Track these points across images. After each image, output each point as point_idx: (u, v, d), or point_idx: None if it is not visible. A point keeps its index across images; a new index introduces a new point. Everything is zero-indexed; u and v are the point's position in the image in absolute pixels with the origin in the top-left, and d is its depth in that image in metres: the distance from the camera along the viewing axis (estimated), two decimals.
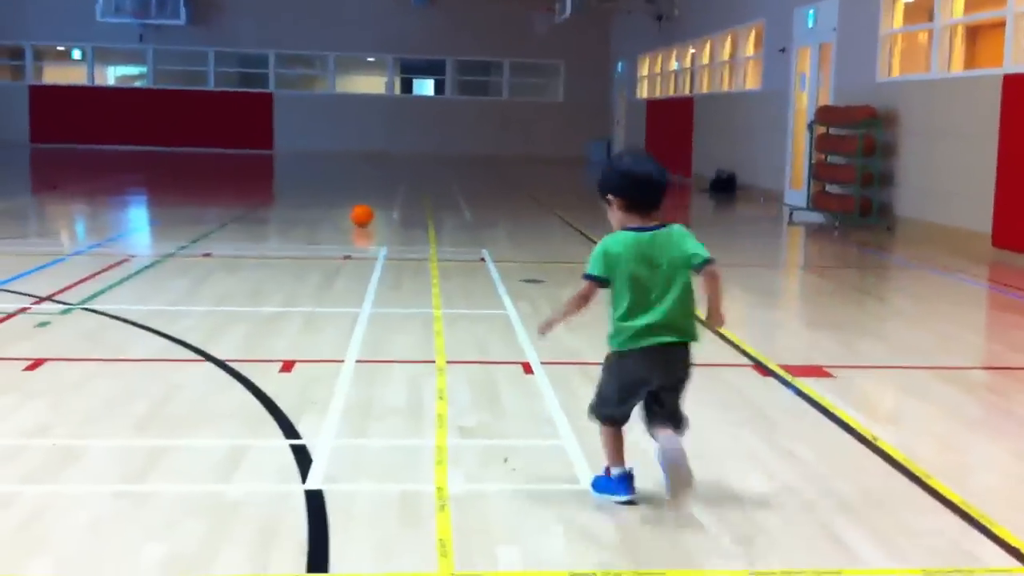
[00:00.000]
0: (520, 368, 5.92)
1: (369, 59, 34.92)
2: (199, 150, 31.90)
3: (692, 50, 24.74)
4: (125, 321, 6.90)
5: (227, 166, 26.67)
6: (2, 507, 3.71)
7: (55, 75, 34.55)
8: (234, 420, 4.82)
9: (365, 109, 33.91)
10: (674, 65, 26.56)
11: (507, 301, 7.98)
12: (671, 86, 26.86)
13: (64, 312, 7.16)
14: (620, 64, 32.39)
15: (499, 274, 9.31)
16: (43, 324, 6.77)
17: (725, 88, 22.39)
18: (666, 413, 3.89)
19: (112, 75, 35.34)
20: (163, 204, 16.64)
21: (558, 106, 34.40)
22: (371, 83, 35.39)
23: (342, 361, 5.95)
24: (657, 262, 3.90)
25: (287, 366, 5.83)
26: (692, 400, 5.33)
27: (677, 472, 3.69)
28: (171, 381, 5.48)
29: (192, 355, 6.04)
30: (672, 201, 20.16)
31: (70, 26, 32.44)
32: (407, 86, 36.19)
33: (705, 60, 23.70)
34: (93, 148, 31.76)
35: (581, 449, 4.45)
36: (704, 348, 6.58)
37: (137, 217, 14.88)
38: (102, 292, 7.93)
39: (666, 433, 3.80)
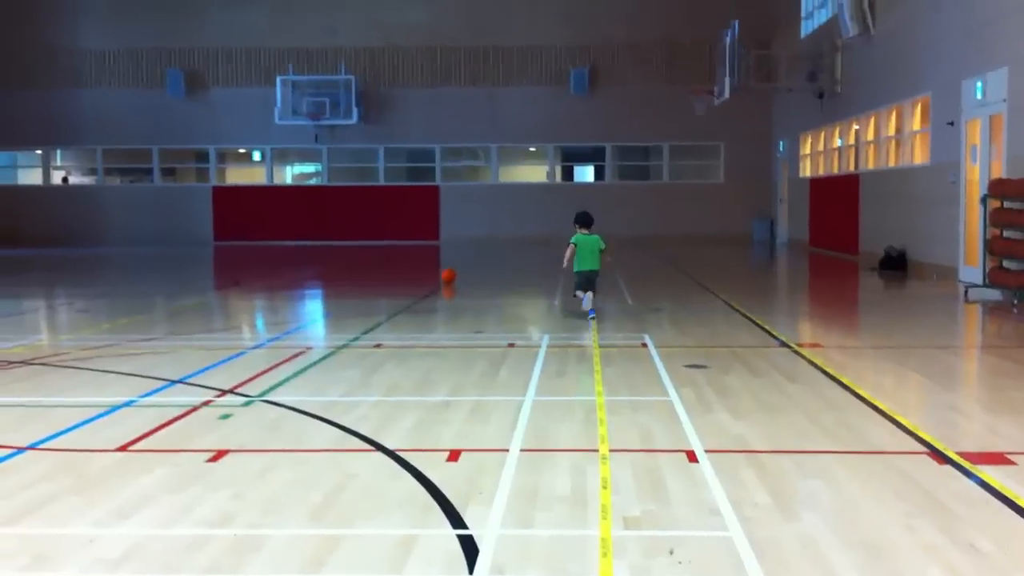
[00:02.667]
0: (684, 456, 5.88)
1: (530, 148, 35.67)
2: (370, 243, 33.07)
3: (856, 126, 24.34)
4: (302, 412, 7.20)
5: (396, 257, 27.53)
6: None
7: (236, 176, 36.57)
8: (404, 509, 4.96)
9: (527, 197, 34.55)
10: (837, 142, 26.15)
11: (670, 387, 7.96)
12: (835, 163, 26.42)
13: (245, 404, 7.52)
14: (782, 143, 32.10)
15: (662, 359, 9.29)
16: (225, 416, 7.13)
17: (892, 163, 21.89)
18: (588, 287, 12.59)
19: (289, 174, 37.19)
20: (337, 296, 17.29)
21: (719, 187, 34.25)
22: (533, 171, 36.08)
23: (507, 450, 6.04)
24: (587, 244, 12.79)
25: (454, 455, 5.96)
26: (863, 489, 5.20)
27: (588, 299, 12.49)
28: (345, 470, 5.68)
29: (365, 445, 6.25)
30: (839, 280, 19.70)
31: (251, 129, 34.38)
32: (568, 173, 36.73)
33: (870, 136, 23.26)
34: (271, 244, 33.33)
35: (749, 542, 4.39)
36: (875, 434, 6.42)
37: (312, 310, 15.51)
38: (280, 384, 8.29)
39: (587, 294, 12.56)
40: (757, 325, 11.92)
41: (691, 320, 12.70)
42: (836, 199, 25.59)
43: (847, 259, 23.83)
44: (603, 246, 12.87)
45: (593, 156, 35.53)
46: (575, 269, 12.78)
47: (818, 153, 28.17)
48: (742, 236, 32.87)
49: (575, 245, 12.82)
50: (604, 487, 5.25)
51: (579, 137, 34.49)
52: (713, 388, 7.95)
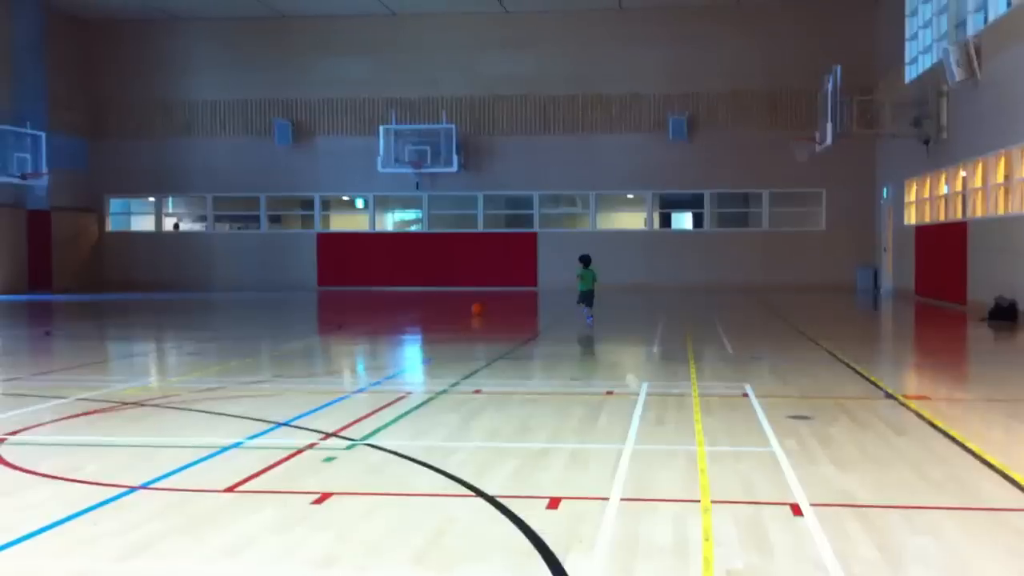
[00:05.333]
0: (788, 509, 5.79)
1: (628, 195, 35.69)
2: (469, 289, 33.36)
3: (963, 172, 23.82)
4: (403, 456, 7.29)
5: (495, 303, 27.71)
6: None
7: (340, 223, 37.34)
8: (505, 555, 4.98)
9: (625, 244, 34.51)
10: (944, 189, 25.60)
11: (772, 438, 7.84)
12: (941, 210, 25.85)
13: (348, 448, 7.64)
14: (885, 189, 31.54)
15: (763, 409, 9.17)
16: (329, 459, 7.25)
17: (1001, 211, 21.34)
18: (586, 302, 18.87)
19: (390, 221, 37.81)
20: (436, 342, 17.48)
21: (821, 234, 33.75)
22: (630, 218, 36.06)
23: (607, 498, 6.03)
24: (586, 275, 19.08)
25: (553, 503, 5.97)
26: (974, 546, 5.05)
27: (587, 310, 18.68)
28: (446, 515, 5.73)
29: (464, 490, 6.30)
30: (947, 330, 19.20)
31: (354, 177, 35.15)
32: (666, 220, 36.61)
33: (977, 183, 22.73)
34: (373, 289, 33.89)
35: None
36: (986, 489, 6.24)
37: (412, 355, 15.70)
38: (382, 428, 8.41)
39: (587, 309, 18.74)
40: (862, 376, 11.69)
41: (793, 370, 12.51)
42: (943, 247, 25.01)
43: (954, 309, 23.22)
44: (596, 276, 19.51)
45: (692, 203, 35.38)
46: (579, 289, 19.29)
47: (924, 200, 27.60)
48: (845, 284, 32.29)
49: (579, 276, 19.34)
50: (706, 539, 5.19)
51: (678, 184, 34.40)
52: (817, 439, 7.81)
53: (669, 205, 36.19)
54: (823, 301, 26.84)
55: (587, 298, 19.00)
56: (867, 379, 11.39)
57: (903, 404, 9.66)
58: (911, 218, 28.73)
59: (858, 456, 7.28)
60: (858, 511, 5.73)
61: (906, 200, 29.02)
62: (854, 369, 12.24)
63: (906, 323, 21.81)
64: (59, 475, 6.72)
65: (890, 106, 28.25)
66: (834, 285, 32.07)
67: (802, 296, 28.70)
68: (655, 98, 33.99)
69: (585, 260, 19.46)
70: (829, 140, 26.90)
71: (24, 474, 6.80)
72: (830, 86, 26.46)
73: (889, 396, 10.16)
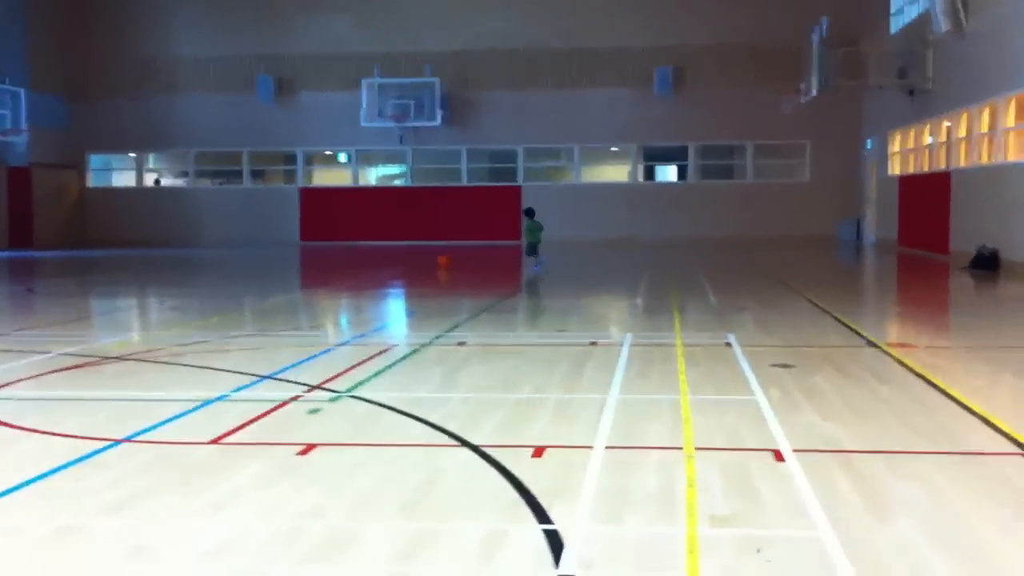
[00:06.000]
0: (771, 456, 5.82)
1: (612, 148, 35.57)
2: (453, 243, 33.30)
3: (947, 123, 23.81)
4: (389, 408, 7.29)
5: (479, 258, 27.69)
6: None
7: (323, 178, 37.13)
8: (492, 505, 4.99)
9: (609, 197, 34.46)
10: (928, 139, 25.61)
11: (756, 387, 7.88)
12: (925, 161, 25.88)
13: (333, 400, 7.64)
14: (870, 141, 31.52)
15: (747, 359, 9.20)
16: (314, 411, 7.25)
17: (985, 161, 21.37)
18: (533, 252, 20.18)
19: (373, 175, 37.62)
20: (420, 296, 17.46)
21: (804, 186, 33.77)
22: (615, 171, 35.98)
23: (592, 448, 6.05)
24: (531, 227, 20.53)
25: (539, 452, 5.99)
26: (959, 492, 5.10)
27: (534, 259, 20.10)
28: (433, 466, 5.74)
29: (451, 441, 6.31)
30: (929, 280, 19.29)
31: (337, 132, 34.90)
32: (650, 173, 36.54)
33: (962, 133, 22.74)
34: (356, 244, 33.78)
35: (840, 543, 4.33)
36: (970, 437, 6.29)
37: (396, 309, 15.68)
38: (367, 380, 8.41)
39: (532, 257, 20.14)
40: (845, 325, 11.74)
41: (777, 320, 12.55)
42: (926, 198, 25.07)
43: (937, 259, 23.33)
44: (542, 227, 20.76)
45: (676, 156, 35.31)
46: (526, 241, 20.91)
47: (908, 151, 27.62)
48: (828, 236, 32.37)
49: (527, 228, 20.84)
50: (691, 486, 5.22)
51: (662, 137, 34.31)
52: (800, 389, 7.85)
53: (653, 158, 36.11)
54: (806, 253, 26.91)
55: (533, 248, 20.54)
56: (850, 328, 11.44)
57: (886, 353, 9.71)
58: (895, 169, 28.76)
59: (842, 404, 7.32)
60: (842, 458, 5.77)
61: (890, 151, 29.04)
62: (837, 319, 12.29)
63: (889, 273, 21.90)
64: (42, 429, 6.70)
65: (875, 57, 28.16)
66: (817, 237, 32.14)
67: (785, 248, 28.76)
68: (641, 52, 33.77)
69: (530, 213, 21.07)
70: (814, 92, 26.82)
71: (7, 428, 6.77)
72: (816, 37, 26.32)
73: (872, 345, 10.21)
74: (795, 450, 5.90)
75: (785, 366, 8.86)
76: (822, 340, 10.65)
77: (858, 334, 11.03)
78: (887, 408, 7.23)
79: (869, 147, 31.60)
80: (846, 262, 25.30)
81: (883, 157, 29.72)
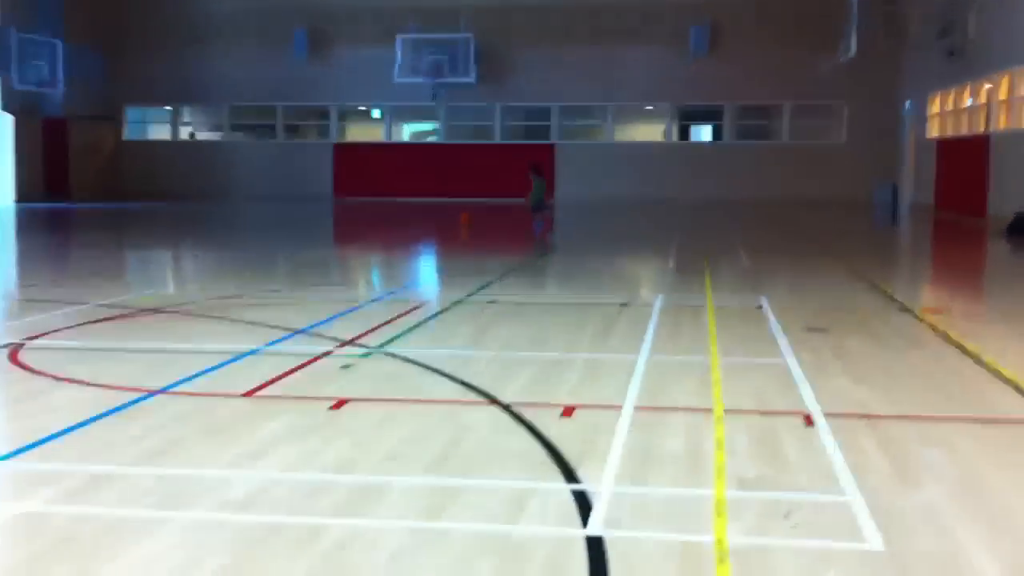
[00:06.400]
0: (801, 420, 5.81)
1: (647, 108, 35.29)
2: (486, 200, 33.26)
3: (988, 85, 23.42)
4: (419, 365, 7.33)
5: (512, 216, 27.64)
6: (312, 538, 4.05)
7: (356, 133, 37.12)
8: (519, 463, 5.03)
9: (643, 157, 34.25)
10: (968, 102, 25.21)
11: (787, 350, 7.85)
12: (964, 124, 25.50)
13: (364, 355, 7.69)
14: (908, 102, 31.08)
15: (779, 322, 9.16)
16: (346, 367, 7.31)
17: None
18: (540, 209, 19.59)
19: (406, 132, 37.56)
20: (452, 253, 17.48)
21: (841, 148, 33.41)
22: (649, 131, 35.73)
23: (621, 407, 6.06)
24: (540, 186, 19.62)
25: (568, 411, 6.01)
26: (988, 458, 5.08)
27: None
28: (462, 423, 5.78)
29: (480, 398, 6.34)
30: (965, 245, 19.08)
31: (370, 87, 34.83)
32: (684, 133, 36.26)
33: (1003, 95, 22.36)
34: (389, 200, 33.82)
35: (867, 507, 4.33)
36: (1000, 402, 6.25)
37: (427, 266, 15.72)
38: (398, 337, 8.45)
39: (541, 215, 19.67)
40: (879, 290, 11.66)
41: (810, 283, 12.48)
42: (964, 161, 24.73)
43: (974, 223, 23.06)
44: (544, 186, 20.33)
45: (711, 116, 34.99)
46: (533, 200, 19.79)
47: (947, 113, 27.22)
48: (864, 198, 32.04)
49: (536, 184, 19.76)
50: (719, 448, 5.23)
51: (697, 97, 34.00)
52: (832, 352, 7.82)
53: (688, 118, 35.80)
54: (841, 215, 26.67)
55: (540, 206, 19.94)
56: (884, 292, 11.36)
57: (919, 318, 9.64)
58: (933, 132, 28.37)
59: (873, 369, 7.29)
60: (871, 422, 5.75)
61: (928, 113, 28.63)
62: (871, 282, 12.20)
63: (924, 237, 21.68)
64: (79, 379, 6.80)
65: (916, 17, 27.70)
66: (853, 199, 31.83)
67: (821, 210, 28.51)
68: (676, 9, 33.39)
69: (538, 170, 20.09)
70: (852, 51, 26.45)
71: (45, 378, 6.88)
72: None
73: (905, 310, 10.14)
74: (825, 414, 5.88)
75: (817, 330, 8.82)
76: (855, 304, 10.58)
77: (891, 298, 10.95)
78: (918, 373, 7.19)
79: (907, 108, 31.17)
80: (881, 225, 25.07)
81: (922, 119, 29.32)
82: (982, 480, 4.81)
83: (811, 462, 5.03)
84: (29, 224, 24.84)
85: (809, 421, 5.78)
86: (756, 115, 34.67)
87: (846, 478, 4.74)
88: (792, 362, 7.39)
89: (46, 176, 33.40)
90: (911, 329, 9.09)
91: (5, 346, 7.99)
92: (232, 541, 4.02)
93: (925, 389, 6.71)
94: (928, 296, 12.14)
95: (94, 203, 32.24)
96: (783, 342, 8.21)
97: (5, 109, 31.41)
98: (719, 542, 3.96)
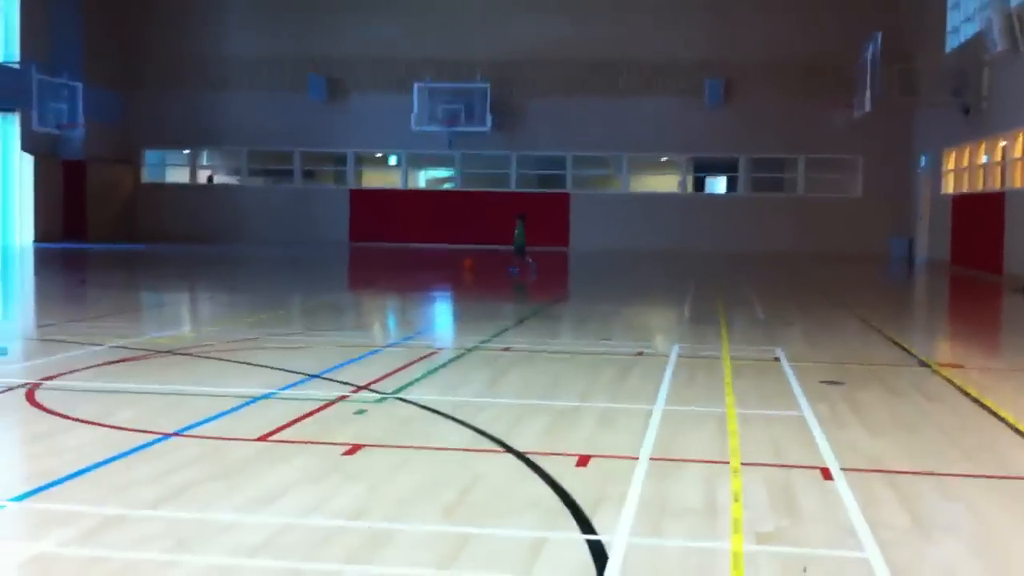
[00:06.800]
0: (819, 473, 5.77)
1: (662, 159, 35.45)
2: (500, 247, 33.32)
3: (1003, 142, 23.46)
4: (433, 411, 7.32)
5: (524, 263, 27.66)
6: None
7: (373, 179, 37.35)
8: (534, 512, 4.99)
9: (657, 207, 34.34)
10: (983, 159, 25.24)
11: (803, 402, 7.81)
12: (980, 180, 25.50)
13: (379, 401, 7.68)
14: (923, 158, 31.14)
15: (795, 374, 9.12)
16: (360, 412, 7.29)
17: None
18: (521, 254, 21.94)
19: (422, 178, 37.77)
20: (466, 299, 17.50)
21: (856, 202, 33.43)
22: (663, 182, 35.84)
23: (636, 458, 6.03)
24: (522, 230, 21.78)
25: (583, 460, 5.98)
26: (1007, 515, 5.02)
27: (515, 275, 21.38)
28: (476, 471, 5.75)
29: (494, 446, 6.32)
30: (982, 300, 19.01)
31: (388, 134, 35.08)
32: (699, 184, 36.36)
33: (1017, 153, 22.39)
34: (404, 246, 33.93)
35: (886, 564, 4.28)
36: (1019, 459, 6.19)
37: (442, 312, 15.73)
38: (412, 383, 8.44)
39: (523, 260, 21.88)
40: (895, 343, 11.61)
41: (825, 336, 12.44)
42: (980, 217, 24.71)
43: (990, 279, 22.98)
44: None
45: (726, 167, 35.11)
46: (516, 244, 22.13)
47: (962, 170, 27.24)
48: (879, 253, 32.00)
49: (520, 229, 22.00)
50: (736, 500, 5.19)
51: (712, 148, 34.14)
52: (848, 405, 7.77)
53: (703, 169, 35.92)
54: (857, 269, 26.63)
55: (521, 250, 22.13)
56: (900, 346, 11.31)
57: (936, 372, 9.59)
58: (948, 187, 28.38)
59: (890, 422, 7.24)
60: (889, 477, 5.70)
61: (944, 169, 28.66)
62: (887, 336, 12.15)
63: (940, 292, 21.62)
64: (94, 420, 6.80)
65: (930, 75, 27.83)
66: (868, 253, 31.79)
67: (835, 263, 28.47)
68: (691, 62, 33.64)
69: (522, 217, 22.53)
70: (867, 107, 26.56)
71: (60, 419, 6.88)
72: (869, 53, 26.07)
73: (922, 364, 10.09)
74: (842, 468, 5.84)
75: (834, 383, 8.77)
76: (871, 357, 10.53)
77: (908, 352, 10.90)
78: (935, 427, 7.13)
79: (923, 164, 31.22)
80: (897, 280, 25.01)
81: (937, 175, 29.34)
82: (1000, 536, 4.75)
83: (829, 516, 4.99)
84: (47, 264, 24.98)
85: (827, 475, 5.73)
86: (771, 167, 34.76)
87: (864, 533, 4.69)
88: (809, 414, 7.35)
89: (64, 217, 33.64)
90: (928, 383, 9.03)
91: (22, 386, 8.01)
92: None
93: (943, 443, 6.65)
94: (945, 350, 12.08)
95: (111, 244, 32.42)
96: (799, 394, 8.17)
97: (25, 149, 31.73)
98: None
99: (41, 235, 32.33)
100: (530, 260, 22.23)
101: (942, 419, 7.45)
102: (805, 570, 4.22)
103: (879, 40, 25.64)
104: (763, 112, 33.21)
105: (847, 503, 5.17)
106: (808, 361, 10.02)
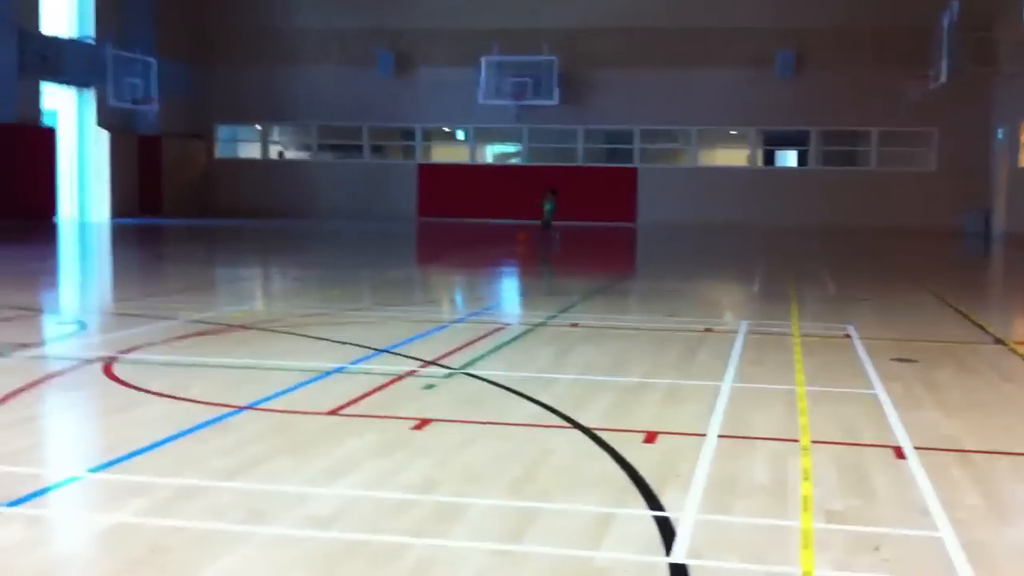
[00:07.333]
0: (891, 452, 5.69)
1: (731, 132, 35.01)
2: (568, 223, 33.22)
3: None
4: (501, 387, 7.35)
5: (593, 239, 27.62)
6: (393, 557, 4.07)
7: (440, 154, 37.45)
8: (601, 488, 5.00)
9: (727, 181, 33.96)
10: None
11: (876, 380, 7.69)
12: None
13: (447, 376, 7.73)
14: (1000, 130, 30.35)
15: (866, 351, 8.99)
16: (429, 387, 7.35)
17: None
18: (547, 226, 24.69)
19: (490, 153, 37.77)
20: (533, 275, 17.50)
21: (931, 175, 32.72)
22: (733, 155, 35.42)
23: (704, 435, 6.00)
24: (549, 204, 24.70)
25: (650, 437, 5.96)
26: None
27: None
28: (543, 446, 5.77)
29: (562, 422, 6.33)
30: None
31: (455, 109, 35.11)
32: (769, 158, 35.87)
33: None
34: (472, 221, 34.02)
35: (960, 544, 4.21)
36: None
37: (510, 287, 15.76)
38: (480, 358, 8.48)
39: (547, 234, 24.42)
40: (970, 320, 11.37)
41: (898, 312, 12.22)
42: None
43: None
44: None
45: (796, 141, 34.57)
46: (545, 218, 24.46)
47: None
48: (954, 227, 31.31)
49: (551, 204, 24.53)
50: (805, 479, 5.14)
51: (782, 121, 33.62)
52: (922, 384, 7.64)
53: (773, 142, 35.41)
54: (931, 244, 26.12)
55: (549, 223, 24.37)
56: (975, 324, 11.08)
57: (1012, 350, 9.38)
58: None
59: (965, 402, 7.11)
60: (964, 457, 5.61)
61: (1022, 142, 27.91)
62: (962, 313, 11.91)
63: (1018, 267, 21.11)
64: (169, 393, 6.94)
65: (1008, 44, 27.07)
66: (942, 228, 31.12)
67: (909, 238, 27.94)
68: (761, 32, 33.10)
69: (554, 191, 25.13)
70: (943, 78, 25.93)
71: (136, 391, 7.04)
72: (946, 21, 25.42)
73: (998, 342, 9.87)
74: (915, 447, 5.75)
75: (907, 360, 8.63)
76: (945, 335, 10.33)
77: (984, 330, 10.67)
78: (1012, 407, 6.99)
79: (1000, 136, 30.44)
80: (973, 254, 24.47)
81: (1014, 147, 28.59)
82: None
83: (901, 495, 4.92)
84: (124, 239, 25.50)
85: (900, 453, 5.65)
86: (843, 140, 34.14)
87: (938, 513, 4.62)
88: (881, 392, 7.24)
89: (140, 192, 34.25)
90: (1005, 361, 8.84)
91: (99, 360, 8.20)
92: (313, 558, 4.06)
93: (1019, 424, 6.51)
94: (1021, 327, 11.80)
95: (185, 219, 32.98)
96: (871, 372, 8.05)
97: (100, 125, 32.34)
98: (806, 574, 3.88)
99: (118, 210, 32.97)
100: (556, 235, 23.39)
101: (1019, 398, 7.29)
102: (877, 548, 4.17)
103: (956, 8, 24.99)
104: (835, 84, 32.59)
105: (920, 482, 5.10)
106: (881, 338, 9.86)
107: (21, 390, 7.01)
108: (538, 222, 25.39)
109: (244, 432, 5.99)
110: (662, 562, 4.01)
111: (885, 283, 15.88)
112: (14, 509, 4.54)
